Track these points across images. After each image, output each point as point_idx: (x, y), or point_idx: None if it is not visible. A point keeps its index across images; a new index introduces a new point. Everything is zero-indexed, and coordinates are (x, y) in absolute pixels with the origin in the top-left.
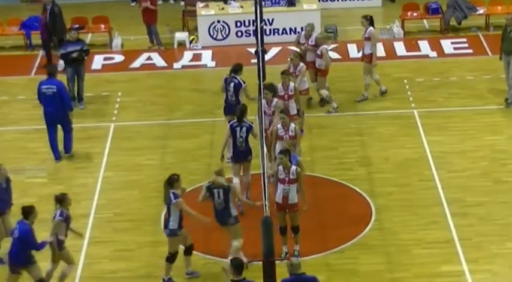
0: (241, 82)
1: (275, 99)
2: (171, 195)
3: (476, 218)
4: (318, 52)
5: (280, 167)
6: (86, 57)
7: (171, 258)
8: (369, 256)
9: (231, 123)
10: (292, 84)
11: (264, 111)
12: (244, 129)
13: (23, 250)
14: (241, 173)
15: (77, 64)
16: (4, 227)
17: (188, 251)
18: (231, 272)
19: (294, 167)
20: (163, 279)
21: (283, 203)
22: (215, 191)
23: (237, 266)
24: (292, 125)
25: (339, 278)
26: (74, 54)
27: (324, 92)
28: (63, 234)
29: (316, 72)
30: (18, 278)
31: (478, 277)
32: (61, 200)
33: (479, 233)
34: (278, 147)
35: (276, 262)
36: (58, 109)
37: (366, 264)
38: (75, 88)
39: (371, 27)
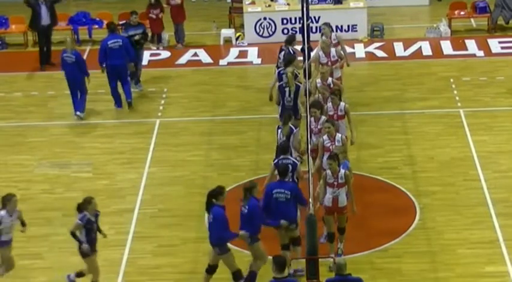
0: (291, 52)
1: (323, 117)
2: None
3: None
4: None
5: (329, 172)
6: (145, 41)
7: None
8: (413, 255)
9: (279, 70)
10: (342, 104)
11: (311, 129)
12: None
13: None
14: None
15: (139, 47)
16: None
17: None
18: (273, 270)
19: (342, 171)
20: None
21: (333, 206)
22: (286, 89)
23: (280, 264)
24: (339, 135)
25: (382, 277)
26: (136, 37)
27: None
28: None
29: None
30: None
31: None
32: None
33: None
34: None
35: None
36: (123, 61)
37: (410, 264)
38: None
39: (335, 32)
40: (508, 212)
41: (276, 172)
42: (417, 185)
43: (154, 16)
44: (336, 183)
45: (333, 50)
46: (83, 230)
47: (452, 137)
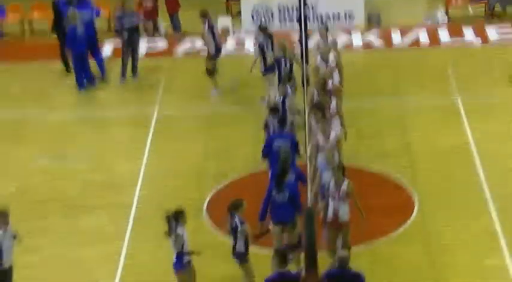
0: None
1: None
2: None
3: None
4: None
5: (332, 182)
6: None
7: None
8: (412, 247)
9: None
10: (334, 102)
11: (312, 131)
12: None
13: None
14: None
15: (136, 35)
16: None
17: None
18: (276, 263)
19: (345, 182)
20: None
21: (334, 221)
22: (282, 60)
23: (282, 257)
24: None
25: (381, 269)
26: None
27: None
28: None
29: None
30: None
31: None
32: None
33: None
34: (319, 159)
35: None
36: (94, 33)
37: (408, 255)
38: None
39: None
40: (507, 204)
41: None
42: (415, 175)
43: (146, 5)
44: (336, 195)
45: (331, 55)
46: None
47: (449, 126)
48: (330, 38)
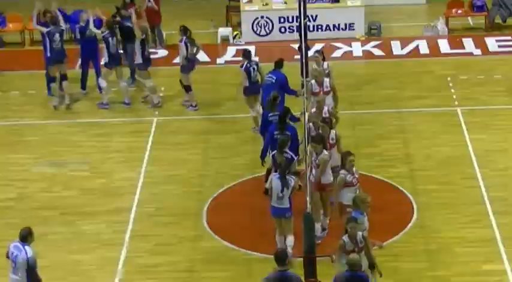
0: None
1: (324, 151)
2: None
3: None
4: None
5: (346, 238)
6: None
7: None
8: (411, 254)
9: (244, 65)
10: (333, 131)
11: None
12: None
13: None
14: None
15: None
16: None
17: None
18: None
19: (359, 234)
20: None
21: None
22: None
23: (281, 257)
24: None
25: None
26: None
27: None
28: None
29: None
30: None
31: None
32: None
33: None
34: (345, 194)
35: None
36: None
37: (407, 262)
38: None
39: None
40: (506, 210)
41: None
42: (415, 184)
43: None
44: (356, 249)
45: (326, 80)
46: None
47: (449, 136)
48: (324, 64)
